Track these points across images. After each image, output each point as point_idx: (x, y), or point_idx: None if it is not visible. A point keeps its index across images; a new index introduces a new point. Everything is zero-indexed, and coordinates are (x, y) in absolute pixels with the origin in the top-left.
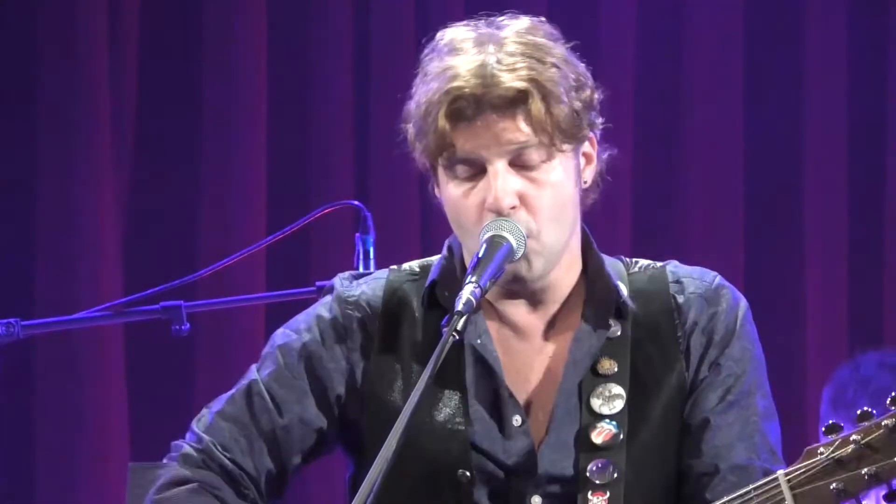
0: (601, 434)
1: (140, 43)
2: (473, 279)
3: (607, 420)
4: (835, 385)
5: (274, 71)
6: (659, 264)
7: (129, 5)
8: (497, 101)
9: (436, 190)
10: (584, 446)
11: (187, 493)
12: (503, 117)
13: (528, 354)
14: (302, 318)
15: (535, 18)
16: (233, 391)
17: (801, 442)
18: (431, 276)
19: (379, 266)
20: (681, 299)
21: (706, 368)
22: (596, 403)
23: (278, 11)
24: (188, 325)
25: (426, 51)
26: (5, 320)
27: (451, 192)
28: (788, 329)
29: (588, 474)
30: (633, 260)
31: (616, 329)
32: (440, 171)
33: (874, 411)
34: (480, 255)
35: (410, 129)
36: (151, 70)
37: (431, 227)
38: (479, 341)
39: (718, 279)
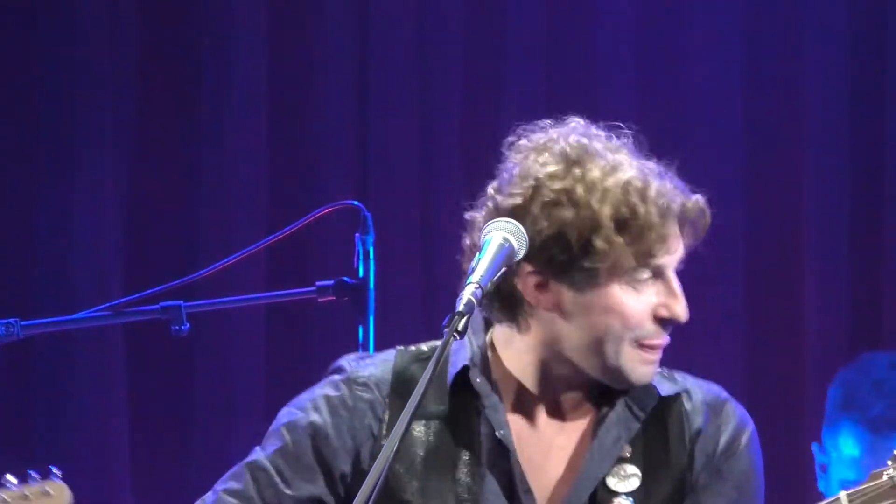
0: None
1: (140, 43)
2: (475, 280)
3: (624, 496)
4: (843, 387)
5: (274, 71)
6: (668, 371)
7: (129, 5)
8: (678, 212)
9: (537, 293)
10: None
11: None
12: (679, 228)
13: (549, 437)
14: (307, 397)
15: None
16: (237, 468)
17: (801, 442)
18: (464, 360)
19: (378, 267)
20: (688, 406)
21: (707, 474)
22: (612, 482)
23: (279, 11)
24: (188, 325)
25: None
26: (5, 320)
27: (621, 296)
28: (788, 330)
29: None
30: None
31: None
32: (617, 276)
33: None
34: (481, 256)
35: (611, 234)
36: (152, 70)
37: (431, 227)
38: (501, 433)
39: (726, 395)
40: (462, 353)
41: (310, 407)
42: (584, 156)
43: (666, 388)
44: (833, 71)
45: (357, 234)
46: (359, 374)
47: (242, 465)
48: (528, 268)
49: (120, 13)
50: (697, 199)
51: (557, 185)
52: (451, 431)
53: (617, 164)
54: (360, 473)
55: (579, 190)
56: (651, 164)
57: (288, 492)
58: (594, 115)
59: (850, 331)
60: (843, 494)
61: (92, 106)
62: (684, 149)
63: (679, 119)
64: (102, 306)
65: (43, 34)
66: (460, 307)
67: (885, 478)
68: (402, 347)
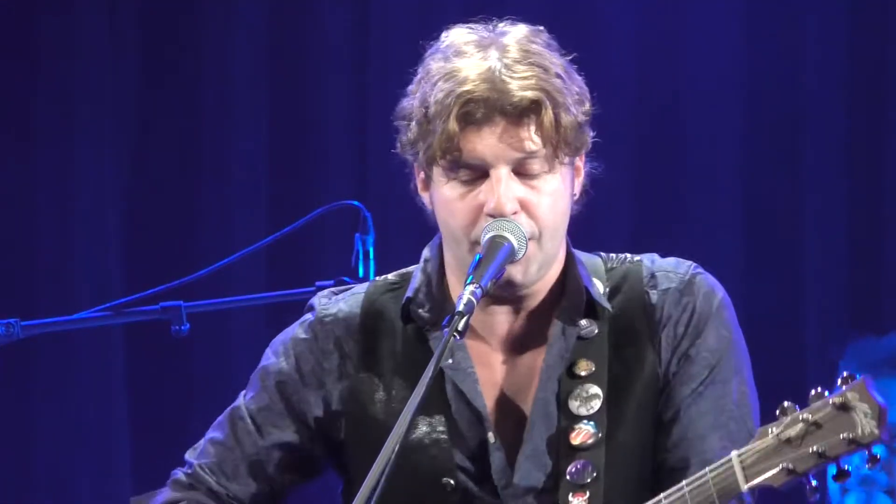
0: (579, 435)
1: (141, 43)
2: (475, 279)
3: (585, 421)
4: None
5: (274, 71)
6: (636, 258)
7: (129, 7)
8: (509, 109)
9: (420, 190)
10: (563, 449)
11: None
12: (514, 125)
13: (506, 365)
14: (281, 340)
15: (532, 27)
16: (222, 416)
17: None
18: (408, 291)
19: (378, 267)
20: (654, 296)
21: (676, 361)
22: (574, 405)
23: (279, 12)
24: (188, 325)
25: (428, 51)
26: (5, 320)
27: (447, 193)
28: (788, 326)
29: (568, 476)
30: (611, 255)
31: (592, 329)
32: (437, 172)
33: (826, 391)
34: (482, 256)
35: (412, 127)
36: (152, 71)
37: (432, 227)
38: (450, 361)
39: (693, 269)
40: (412, 284)
41: (281, 351)
42: (430, 56)
43: (598, 288)
44: (833, 58)
45: (357, 234)
46: (327, 312)
47: (226, 414)
48: (416, 166)
49: (121, 12)
50: (523, 99)
51: (413, 86)
52: (412, 369)
53: (447, 72)
54: (331, 413)
55: (415, 87)
56: (492, 66)
57: (262, 444)
58: (594, 115)
59: (850, 328)
60: (734, 454)
61: (92, 107)
62: (684, 140)
63: (679, 111)
64: (102, 306)
65: (43, 34)
66: (460, 307)
67: (769, 435)
68: (377, 279)
